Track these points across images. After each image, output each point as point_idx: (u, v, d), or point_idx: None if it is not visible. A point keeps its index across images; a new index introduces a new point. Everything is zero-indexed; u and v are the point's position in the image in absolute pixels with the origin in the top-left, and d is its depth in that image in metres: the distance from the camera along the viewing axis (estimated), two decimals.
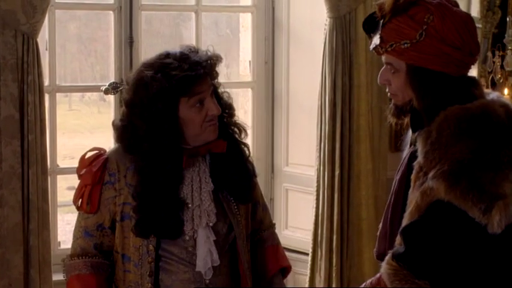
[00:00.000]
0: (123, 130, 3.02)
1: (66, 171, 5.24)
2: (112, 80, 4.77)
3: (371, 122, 4.79)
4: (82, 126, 13.08)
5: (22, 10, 4.05)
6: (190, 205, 2.98)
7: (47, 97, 4.47)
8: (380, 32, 2.46)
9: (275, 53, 5.23)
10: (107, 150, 3.12)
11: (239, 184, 3.08)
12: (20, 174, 4.10)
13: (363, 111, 4.76)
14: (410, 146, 2.59)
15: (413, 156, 2.52)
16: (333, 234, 4.73)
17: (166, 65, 2.92)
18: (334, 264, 4.74)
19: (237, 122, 3.14)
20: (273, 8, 5.20)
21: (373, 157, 4.80)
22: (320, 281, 4.78)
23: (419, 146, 2.39)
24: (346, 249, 4.78)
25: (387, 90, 2.59)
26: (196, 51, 2.99)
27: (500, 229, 2.23)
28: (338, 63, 4.68)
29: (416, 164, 2.40)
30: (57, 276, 4.42)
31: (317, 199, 4.77)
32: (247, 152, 3.16)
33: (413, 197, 2.37)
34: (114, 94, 4.74)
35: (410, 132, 2.66)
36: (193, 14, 5.01)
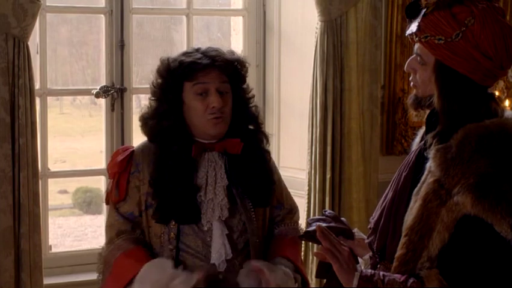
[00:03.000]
0: (142, 112, 3.20)
1: (57, 174, 5.23)
2: (103, 83, 4.77)
3: (362, 126, 4.79)
4: (73, 130, 13.05)
5: (13, 13, 4.05)
6: (203, 198, 3.08)
7: (38, 100, 4.47)
8: (419, 20, 2.43)
9: (266, 56, 5.23)
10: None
11: (256, 187, 3.17)
12: (11, 178, 4.10)
13: (354, 115, 4.76)
14: (421, 141, 2.57)
15: (421, 153, 2.50)
16: None
17: (184, 53, 3.14)
18: None
19: (262, 131, 3.26)
20: (264, 12, 5.21)
21: (364, 160, 4.81)
22: (311, 284, 4.77)
23: (435, 161, 2.36)
24: None
25: (410, 78, 2.56)
26: (221, 51, 3.15)
27: None
28: (329, 66, 4.68)
29: (432, 182, 2.37)
30: (48, 280, 4.43)
31: (308, 202, 4.78)
32: (268, 158, 3.27)
33: (429, 214, 2.34)
34: (105, 98, 4.74)
35: (420, 132, 2.64)
36: (184, 18, 5.01)
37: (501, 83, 5.22)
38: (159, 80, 3.13)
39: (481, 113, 2.39)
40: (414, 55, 2.51)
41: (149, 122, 3.14)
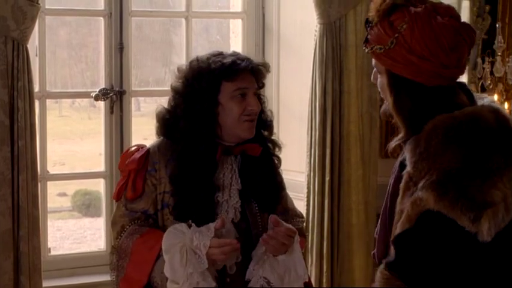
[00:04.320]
0: (164, 112, 3.17)
1: (56, 177, 5.24)
2: (102, 86, 4.77)
3: (361, 128, 4.79)
4: (72, 133, 13.06)
5: (12, 16, 4.05)
6: (220, 199, 3.10)
7: (37, 103, 4.47)
8: (367, 33, 2.50)
9: (265, 58, 5.22)
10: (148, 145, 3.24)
11: (265, 192, 3.19)
12: (10, 181, 4.10)
13: (354, 117, 4.76)
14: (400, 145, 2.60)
15: (403, 161, 2.53)
16: (324, 240, 4.74)
17: (216, 54, 3.12)
18: (324, 270, 4.74)
19: (274, 138, 3.29)
20: (263, 14, 5.21)
21: (363, 163, 4.81)
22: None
23: (408, 155, 2.40)
24: (336, 255, 4.79)
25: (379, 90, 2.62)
26: (248, 56, 3.17)
27: (490, 237, 2.24)
28: (328, 69, 4.69)
29: (405, 174, 2.40)
30: (48, 283, 4.42)
31: (308, 205, 4.78)
32: (278, 165, 3.31)
33: (404, 206, 2.38)
34: (104, 100, 4.74)
35: None
36: (183, 20, 5.01)
37: (500, 86, 5.22)
38: (193, 80, 3.09)
39: (439, 112, 2.40)
40: None
41: (177, 123, 3.10)
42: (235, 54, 3.14)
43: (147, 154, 3.15)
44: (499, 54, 5.19)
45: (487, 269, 2.32)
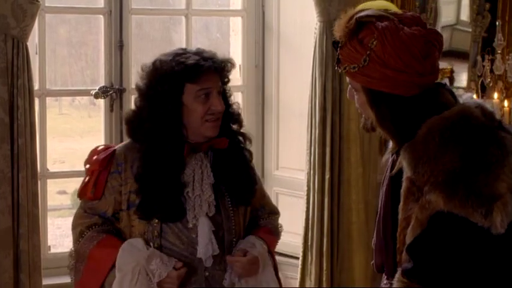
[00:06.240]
0: (130, 114, 3.17)
1: (56, 175, 5.23)
2: (102, 84, 4.77)
3: (361, 127, 4.78)
4: (72, 130, 13.05)
5: (12, 14, 4.05)
6: (190, 194, 3.10)
7: (37, 101, 4.47)
8: (338, 54, 2.53)
9: (265, 56, 5.23)
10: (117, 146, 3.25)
11: (237, 185, 3.20)
12: (10, 179, 4.09)
13: (353, 116, 4.76)
14: (392, 155, 2.61)
15: (396, 170, 2.54)
16: (324, 238, 4.74)
17: (179, 54, 3.09)
18: (324, 268, 4.74)
19: (244, 131, 3.28)
20: (263, 12, 5.21)
21: (363, 161, 4.81)
22: (310, 285, 4.78)
23: (405, 161, 2.41)
24: (336, 253, 4.79)
25: (356, 106, 2.64)
26: (213, 52, 3.14)
27: (504, 229, 2.26)
28: (327, 67, 4.68)
29: (405, 180, 2.41)
30: (47, 281, 4.42)
31: (307, 203, 4.78)
32: (249, 158, 3.30)
33: (410, 213, 2.38)
34: (104, 98, 4.74)
35: (389, 146, 2.68)
36: (183, 18, 5.01)
37: (500, 84, 5.22)
38: (156, 82, 3.08)
39: (428, 115, 2.42)
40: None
41: (142, 125, 3.10)
42: (199, 52, 3.11)
43: (111, 155, 3.16)
44: (499, 52, 5.19)
45: (504, 260, 2.35)
